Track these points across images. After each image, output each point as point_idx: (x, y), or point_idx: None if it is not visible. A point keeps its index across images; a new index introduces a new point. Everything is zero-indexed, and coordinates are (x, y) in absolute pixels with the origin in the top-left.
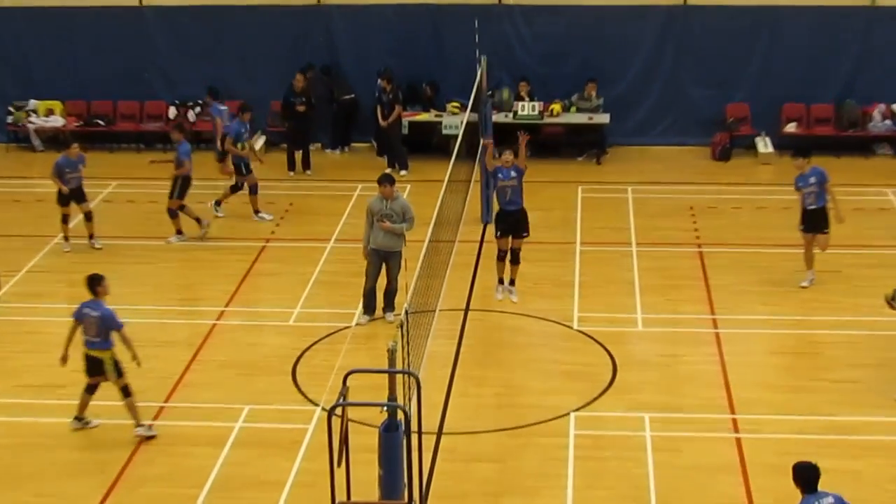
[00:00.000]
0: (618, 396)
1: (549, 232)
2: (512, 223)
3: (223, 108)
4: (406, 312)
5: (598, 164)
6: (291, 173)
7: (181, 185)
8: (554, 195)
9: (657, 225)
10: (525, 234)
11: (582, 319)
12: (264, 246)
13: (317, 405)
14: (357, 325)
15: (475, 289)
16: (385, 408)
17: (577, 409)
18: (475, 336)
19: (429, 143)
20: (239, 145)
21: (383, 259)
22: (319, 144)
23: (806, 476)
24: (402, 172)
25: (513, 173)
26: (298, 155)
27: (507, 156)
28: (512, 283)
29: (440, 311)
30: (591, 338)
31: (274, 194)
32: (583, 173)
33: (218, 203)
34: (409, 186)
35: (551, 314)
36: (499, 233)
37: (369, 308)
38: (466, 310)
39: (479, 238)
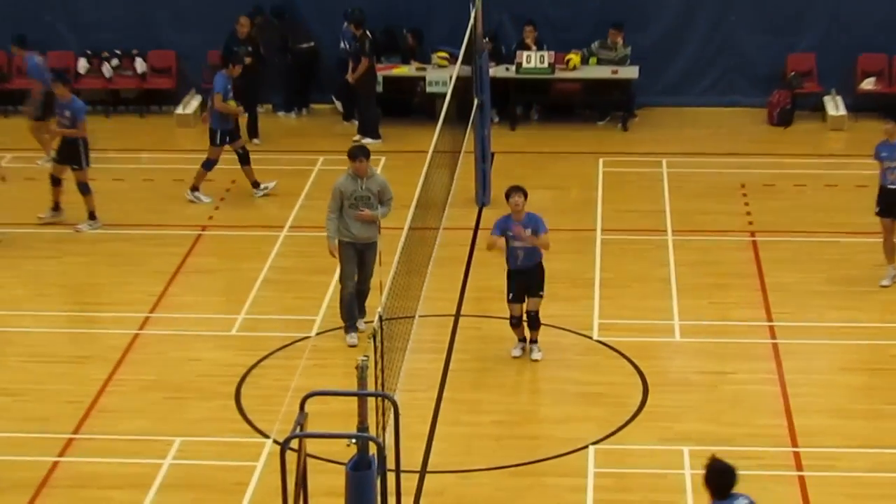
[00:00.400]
0: (649, 425)
1: (563, 217)
2: (526, 283)
3: (39, 58)
4: (380, 319)
5: (624, 131)
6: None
7: (85, 150)
8: (569, 170)
9: (700, 207)
10: (540, 294)
11: (604, 327)
12: (199, 235)
13: (267, 437)
14: (350, 345)
15: (468, 289)
16: (354, 440)
17: (598, 441)
18: (468, 349)
19: (409, 104)
20: (231, 103)
21: (360, 253)
22: (270, 106)
23: (723, 482)
24: (369, 140)
25: (528, 231)
26: (243, 119)
27: (517, 199)
28: (534, 341)
29: (422, 317)
30: (616, 350)
31: (215, 170)
32: (605, 142)
33: (256, 185)
34: (382, 159)
35: (565, 321)
36: (511, 295)
37: (351, 321)
38: (457, 315)
39: (472, 224)
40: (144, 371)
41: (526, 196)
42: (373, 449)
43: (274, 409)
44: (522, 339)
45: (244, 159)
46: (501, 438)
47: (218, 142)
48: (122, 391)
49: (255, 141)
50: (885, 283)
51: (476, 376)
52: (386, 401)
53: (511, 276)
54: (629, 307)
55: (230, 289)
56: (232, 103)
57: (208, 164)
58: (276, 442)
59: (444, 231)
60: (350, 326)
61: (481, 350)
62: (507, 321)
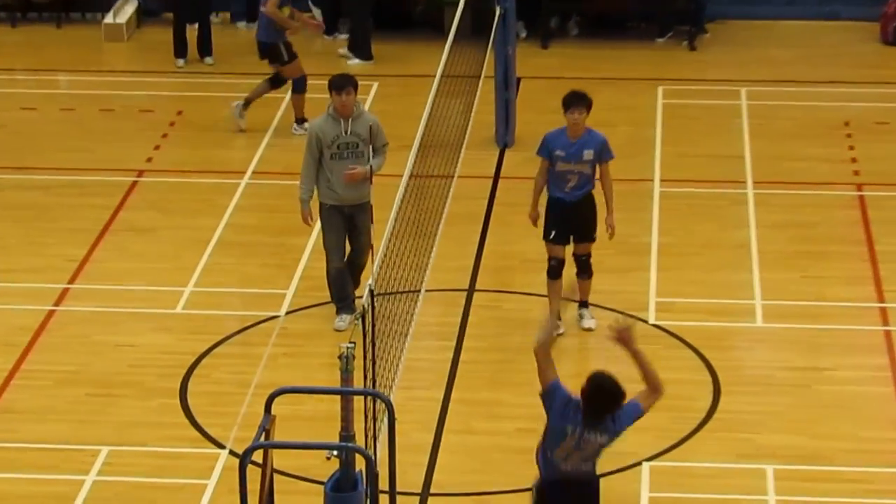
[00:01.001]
0: (721, 436)
1: (611, 163)
2: (574, 220)
3: None
4: (371, 294)
5: (691, 51)
6: (180, 62)
7: None
8: (617, 101)
9: (789, 152)
10: (594, 237)
11: (663, 308)
12: (135, 182)
13: (222, 447)
14: (336, 329)
15: (485, 255)
16: (335, 452)
17: (654, 457)
18: (485, 334)
19: (410, 14)
20: (285, 10)
21: (348, 218)
22: (227, 15)
23: (600, 402)
24: (357, 61)
25: (586, 153)
26: (192, 32)
27: (577, 114)
28: (584, 304)
29: (427, 291)
30: (678, 338)
31: (151, 96)
32: (666, 65)
33: (247, 105)
34: (374, 86)
35: (613, 299)
36: (553, 233)
37: (345, 300)
38: (471, 290)
39: (492, 171)
40: (61, 360)
41: (589, 108)
42: (360, 463)
43: (231, 410)
44: (558, 317)
45: (278, 82)
46: (527, 451)
47: (286, 57)
48: (32, 386)
49: (208, 60)
50: None
51: (495, 370)
52: (377, 401)
53: (554, 207)
54: (696, 282)
55: (174, 253)
56: (287, 11)
57: (299, 87)
58: (233, 453)
59: (456, 180)
60: (343, 307)
61: (502, 335)
62: (534, 297)
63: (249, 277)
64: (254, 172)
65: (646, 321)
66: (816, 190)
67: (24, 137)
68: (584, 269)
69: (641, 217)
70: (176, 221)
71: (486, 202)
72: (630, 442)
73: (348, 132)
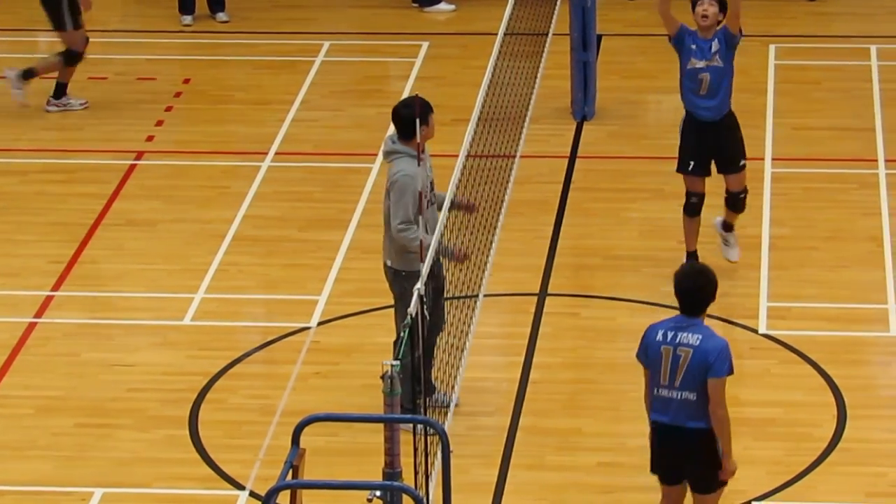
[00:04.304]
0: (848, 470)
1: None
2: (713, 143)
3: None
4: (420, 299)
5: (810, 1)
6: (187, 19)
7: None
8: None
9: None
10: (742, 164)
11: (777, 314)
12: (133, 165)
13: (240, 487)
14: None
15: (559, 251)
16: (377, 493)
17: (765, 497)
18: (561, 349)
19: None
20: None
21: (436, 279)
22: None
23: (691, 297)
24: (443, 6)
25: (715, 44)
26: None
27: (708, 6)
28: (729, 228)
29: (488, 296)
30: (795, 351)
31: (152, 61)
32: (780, 18)
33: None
34: (424, 46)
35: (715, 303)
36: (691, 163)
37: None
38: (542, 294)
39: (567, 149)
40: (43, 383)
41: (723, 6)
42: None
43: (251, 443)
44: (691, 255)
45: None
46: (613, 490)
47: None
48: (8, 415)
49: (220, 16)
50: None
51: (572, 391)
52: (430, 430)
53: (689, 129)
54: (816, 282)
55: (181, 252)
56: None
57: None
58: (254, 495)
59: (523, 159)
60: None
61: (581, 349)
62: (621, 303)
63: (273, 281)
64: (277, 153)
65: (755, 331)
66: None
67: None
68: (738, 205)
69: (749, 204)
70: (182, 213)
71: (560, 186)
72: (737, 477)
73: (429, 169)
